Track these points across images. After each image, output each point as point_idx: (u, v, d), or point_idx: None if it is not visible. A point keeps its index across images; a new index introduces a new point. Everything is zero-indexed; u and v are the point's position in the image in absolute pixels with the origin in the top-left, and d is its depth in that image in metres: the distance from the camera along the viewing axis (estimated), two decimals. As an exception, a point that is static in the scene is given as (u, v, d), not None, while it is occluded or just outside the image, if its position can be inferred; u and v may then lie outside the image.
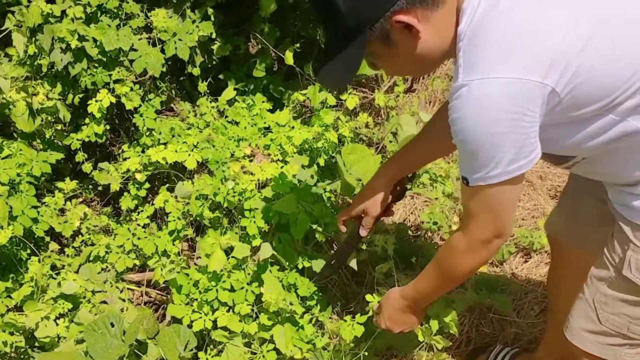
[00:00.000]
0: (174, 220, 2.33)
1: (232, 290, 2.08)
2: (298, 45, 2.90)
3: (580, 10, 1.22)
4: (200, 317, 2.06)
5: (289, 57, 2.87)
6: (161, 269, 2.23)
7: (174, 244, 2.30)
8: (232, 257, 2.09)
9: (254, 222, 2.11)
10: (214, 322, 2.06)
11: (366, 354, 2.03)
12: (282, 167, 2.23)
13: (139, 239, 2.40)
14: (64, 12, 2.57)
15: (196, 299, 2.09)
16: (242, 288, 2.08)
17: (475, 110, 1.22)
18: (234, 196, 2.19)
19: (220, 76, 3.05)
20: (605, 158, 1.40)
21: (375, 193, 1.89)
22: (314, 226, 2.13)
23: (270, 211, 2.12)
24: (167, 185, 2.49)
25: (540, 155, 1.31)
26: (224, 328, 2.06)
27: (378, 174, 1.91)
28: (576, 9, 1.22)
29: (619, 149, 1.35)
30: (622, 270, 1.46)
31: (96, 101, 2.59)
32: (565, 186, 1.90)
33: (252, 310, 2.08)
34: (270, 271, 2.12)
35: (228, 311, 2.08)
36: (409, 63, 1.39)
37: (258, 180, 2.23)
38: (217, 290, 2.07)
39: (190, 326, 2.07)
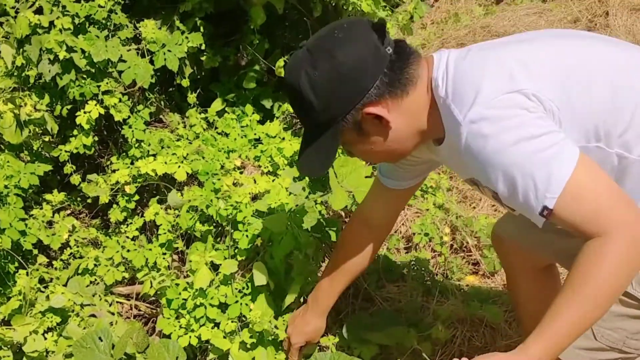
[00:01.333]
0: (164, 233, 2.31)
1: (220, 307, 2.06)
2: (288, 56, 2.90)
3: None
4: (186, 334, 2.04)
5: (279, 69, 2.87)
6: (150, 282, 2.21)
7: (164, 258, 2.28)
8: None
9: (246, 235, 2.10)
10: (199, 337, 2.04)
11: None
12: (273, 180, 2.22)
13: (128, 251, 2.38)
14: (52, 23, 2.56)
15: (184, 315, 2.08)
16: (237, 302, 2.06)
17: (500, 131, 1.22)
18: (226, 209, 2.17)
19: (210, 87, 3.03)
20: None
21: (305, 325, 1.94)
22: (295, 252, 2.10)
23: (261, 226, 2.11)
24: (157, 197, 2.47)
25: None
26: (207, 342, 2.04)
27: (308, 311, 1.95)
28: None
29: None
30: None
31: (85, 112, 2.56)
32: None
33: (237, 328, 2.06)
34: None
35: (213, 327, 2.07)
36: (382, 150, 1.43)
37: (250, 193, 2.22)
38: (205, 308, 2.05)
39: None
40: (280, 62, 2.87)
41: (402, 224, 2.77)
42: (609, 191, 1.20)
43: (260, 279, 2.00)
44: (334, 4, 2.77)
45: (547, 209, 1.20)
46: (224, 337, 2.04)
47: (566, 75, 1.29)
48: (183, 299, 2.10)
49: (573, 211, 1.20)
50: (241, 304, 2.06)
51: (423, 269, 2.54)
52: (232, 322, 2.03)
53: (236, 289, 2.10)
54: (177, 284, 2.15)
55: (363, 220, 1.85)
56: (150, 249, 2.35)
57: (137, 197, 2.59)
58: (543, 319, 1.24)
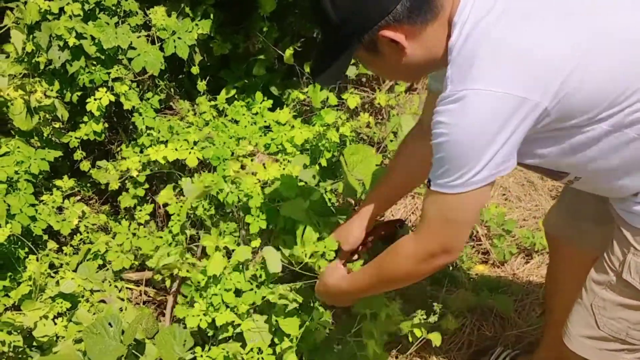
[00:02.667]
0: (176, 223, 2.30)
1: (235, 292, 2.05)
2: (298, 44, 2.89)
3: (572, 20, 1.24)
4: (198, 315, 2.04)
5: (288, 56, 2.86)
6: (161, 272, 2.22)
7: (176, 245, 2.28)
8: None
9: (258, 221, 2.09)
10: (212, 321, 2.04)
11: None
12: (284, 168, 2.21)
13: (138, 238, 2.39)
14: (62, 9, 2.55)
15: (198, 301, 2.07)
16: (251, 289, 2.05)
17: (459, 120, 1.23)
18: (237, 195, 2.17)
19: (220, 74, 3.03)
20: (602, 175, 1.41)
21: (348, 232, 1.95)
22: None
23: (275, 214, 2.10)
24: (171, 184, 2.47)
25: (513, 167, 1.31)
26: (224, 327, 2.04)
27: (353, 216, 1.97)
28: (566, 18, 1.24)
29: (612, 161, 1.35)
30: (622, 274, 1.47)
31: (95, 99, 2.56)
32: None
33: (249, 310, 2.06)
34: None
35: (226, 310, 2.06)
36: (396, 71, 1.48)
37: (259, 180, 2.21)
38: (221, 295, 2.05)
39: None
40: (290, 50, 2.86)
41: (412, 213, 2.76)
42: (465, 221, 1.39)
43: (274, 265, 1.99)
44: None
45: (429, 182, 1.35)
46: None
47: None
48: (197, 283, 2.09)
49: (432, 205, 1.38)
50: (255, 292, 2.05)
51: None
52: (245, 305, 2.03)
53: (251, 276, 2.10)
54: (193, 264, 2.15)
55: (418, 129, 1.85)
56: (161, 237, 2.35)
57: (147, 185, 2.59)
58: (360, 269, 1.72)
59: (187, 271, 2.14)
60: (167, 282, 2.33)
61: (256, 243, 2.10)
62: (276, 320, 2.00)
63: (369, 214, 1.92)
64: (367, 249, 2.00)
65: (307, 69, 2.91)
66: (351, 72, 2.68)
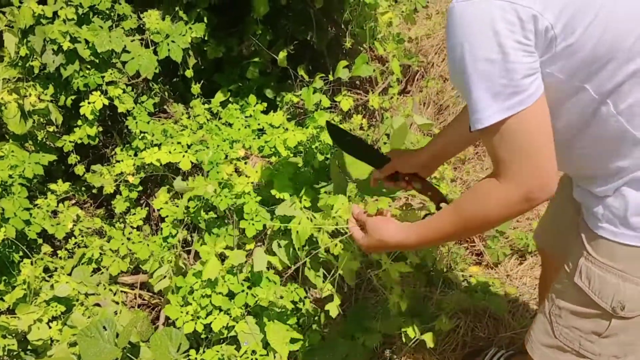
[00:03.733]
0: (168, 226, 2.31)
1: (228, 295, 2.07)
2: (291, 46, 2.90)
3: None
4: (192, 320, 2.05)
5: (282, 59, 2.87)
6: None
7: (169, 250, 2.29)
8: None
9: (253, 224, 2.10)
10: (207, 325, 2.05)
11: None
12: (277, 170, 2.23)
13: (133, 243, 2.39)
14: (55, 13, 2.56)
15: (190, 303, 2.08)
16: (243, 291, 2.06)
17: (463, 34, 1.17)
18: (230, 198, 2.18)
19: (214, 78, 3.03)
20: (576, 145, 1.37)
21: (412, 157, 1.85)
22: (316, 234, 2.10)
23: (269, 214, 2.11)
24: (167, 187, 2.48)
25: (542, 90, 1.21)
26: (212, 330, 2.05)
27: (418, 151, 1.88)
28: None
29: (587, 133, 1.32)
30: (574, 278, 1.45)
31: (89, 103, 2.57)
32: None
33: (243, 313, 2.07)
34: (268, 278, 2.11)
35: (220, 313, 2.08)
36: None
37: (253, 182, 2.22)
38: (210, 297, 2.06)
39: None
40: (284, 53, 2.86)
41: (406, 215, 2.76)
42: (532, 147, 1.22)
43: (260, 264, 2.01)
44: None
45: (474, 128, 1.25)
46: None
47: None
48: (190, 287, 2.10)
49: (491, 145, 1.25)
50: (247, 293, 2.06)
51: (426, 259, 2.54)
52: (238, 308, 2.04)
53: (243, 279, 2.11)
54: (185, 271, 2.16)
55: None
56: (155, 241, 2.36)
57: (140, 188, 2.59)
58: (429, 220, 1.46)
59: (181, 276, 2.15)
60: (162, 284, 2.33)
61: (251, 246, 2.11)
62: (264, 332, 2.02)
63: (432, 159, 1.84)
64: (408, 188, 1.90)
65: (300, 72, 2.92)
66: (344, 74, 2.69)
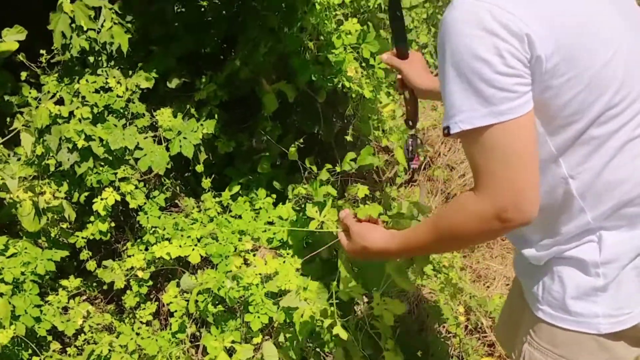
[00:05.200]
0: (177, 321, 2.31)
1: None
2: (300, 140, 2.97)
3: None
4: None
5: (292, 153, 2.93)
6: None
7: (177, 345, 2.28)
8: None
9: (258, 317, 2.10)
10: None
11: None
12: (284, 262, 2.24)
13: (142, 338, 2.38)
14: (71, 113, 2.66)
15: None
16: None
17: (457, 33, 1.14)
18: (238, 291, 2.18)
19: (225, 172, 3.10)
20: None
21: (414, 71, 1.79)
22: (317, 328, 2.09)
23: (275, 307, 2.11)
24: (176, 280, 2.49)
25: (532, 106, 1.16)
26: None
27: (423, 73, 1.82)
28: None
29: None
30: None
31: (101, 199, 2.62)
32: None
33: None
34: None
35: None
36: None
37: (261, 274, 2.23)
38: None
39: None
40: (294, 147, 2.94)
41: (416, 305, 2.75)
42: (513, 162, 1.15)
43: (271, 358, 1.99)
44: (338, 90, 2.85)
45: (447, 129, 1.19)
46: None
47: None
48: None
49: (471, 153, 1.19)
50: (254, 388, 2.04)
51: (438, 350, 2.50)
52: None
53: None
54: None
55: None
56: (163, 336, 2.35)
57: (150, 283, 2.61)
58: (412, 228, 1.42)
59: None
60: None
61: (258, 339, 2.10)
62: None
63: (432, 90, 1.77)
64: (400, 88, 1.87)
65: (308, 164, 2.98)
66: (351, 166, 2.74)
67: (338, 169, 2.80)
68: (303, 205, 2.91)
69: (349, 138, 2.97)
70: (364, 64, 2.77)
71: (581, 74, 1.16)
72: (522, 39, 1.11)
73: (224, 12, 3.29)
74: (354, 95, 2.76)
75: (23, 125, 2.59)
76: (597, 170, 1.23)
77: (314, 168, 2.97)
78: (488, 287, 2.88)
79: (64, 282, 2.63)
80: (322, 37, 2.67)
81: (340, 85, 2.74)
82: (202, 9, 3.36)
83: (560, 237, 1.31)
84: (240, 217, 2.81)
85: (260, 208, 2.83)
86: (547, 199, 1.26)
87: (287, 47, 2.78)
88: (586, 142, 1.21)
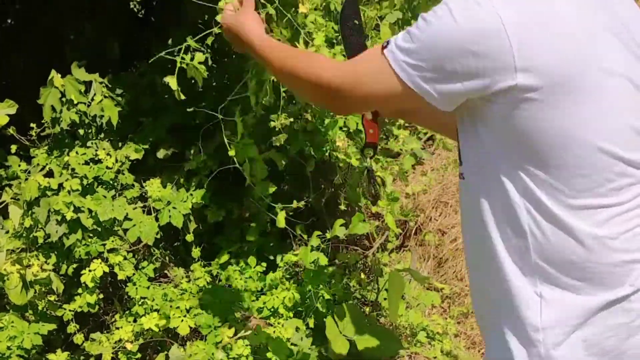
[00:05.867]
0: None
1: None
2: (291, 207, 2.98)
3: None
4: None
5: (281, 221, 2.93)
6: None
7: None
8: None
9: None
10: None
11: None
12: (274, 331, 2.21)
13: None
14: (61, 184, 2.67)
15: None
16: None
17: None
18: (226, 363, 2.15)
19: (214, 240, 3.09)
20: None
21: None
22: None
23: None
24: (164, 353, 2.45)
25: (440, 106, 1.16)
26: None
27: None
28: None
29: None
30: None
31: (89, 271, 2.60)
32: None
33: None
34: None
35: None
36: None
37: (251, 345, 2.20)
38: None
39: None
40: (282, 215, 2.94)
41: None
42: (372, 93, 1.24)
43: None
44: (326, 159, 2.88)
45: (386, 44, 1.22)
46: None
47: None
48: None
49: (370, 53, 1.29)
50: None
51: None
52: None
53: None
54: None
55: None
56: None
57: (139, 355, 2.56)
58: (276, 42, 1.55)
59: None
60: None
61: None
62: None
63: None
64: None
65: (298, 231, 2.98)
66: (341, 232, 2.74)
67: (328, 235, 2.80)
68: (293, 273, 2.91)
69: (342, 207, 2.98)
70: (351, 131, 2.81)
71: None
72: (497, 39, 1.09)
73: (214, 83, 3.35)
74: (341, 165, 2.78)
75: (11, 198, 2.59)
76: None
77: (304, 235, 2.97)
78: (482, 354, 2.84)
79: (51, 357, 2.58)
80: (310, 109, 2.71)
81: (328, 154, 2.77)
82: (193, 80, 3.43)
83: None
84: (230, 286, 2.78)
85: (250, 277, 2.81)
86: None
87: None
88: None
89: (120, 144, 2.88)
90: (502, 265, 1.19)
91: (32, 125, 2.72)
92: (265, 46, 1.52)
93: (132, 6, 4.03)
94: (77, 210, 2.62)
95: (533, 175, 1.12)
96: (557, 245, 1.13)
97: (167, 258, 2.97)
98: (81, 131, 2.83)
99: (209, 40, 3.44)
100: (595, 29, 1.11)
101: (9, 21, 4.11)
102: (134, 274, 2.72)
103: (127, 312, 2.74)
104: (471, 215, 1.26)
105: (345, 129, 2.71)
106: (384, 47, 1.20)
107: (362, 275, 2.84)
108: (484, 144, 1.17)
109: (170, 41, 3.37)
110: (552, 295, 1.15)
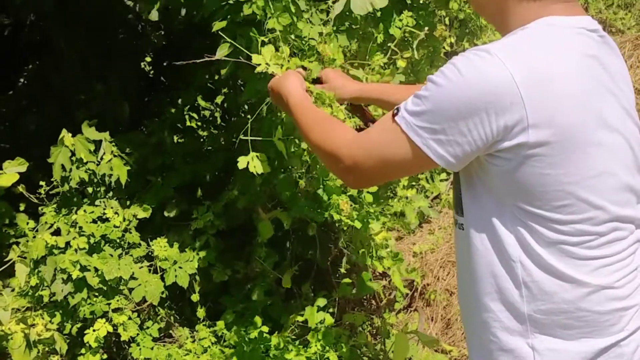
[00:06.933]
0: None
1: None
2: (296, 267, 2.97)
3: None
4: None
5: (287, 280, 2.92)
6: None
7: None
8: None
9: None
10: None
11: None
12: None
13: None
14: (68, 243, 2.67)
15: None
16: None
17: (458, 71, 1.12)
18: None
19: (220, 300, 3.07)
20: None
21: (347, 81, 1.83)
22: None
23: None
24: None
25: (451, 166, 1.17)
26: None
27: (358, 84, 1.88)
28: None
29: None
30: None
31: (93, 330, 2.58)
32: None
33: None
34: None
35: None
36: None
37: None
38: None
39: None
40: (288, 275, 2.93)
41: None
42: (390, 162, 1.23)
43: None
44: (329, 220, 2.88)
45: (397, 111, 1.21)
46: None
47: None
48: None
49: (384, 122, 1.24)
50: None
51: None
52: None
53: None
54: None
55: None
56: None
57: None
58: (311, 106, 1.56)
59: None
60: None
61: None
62: None
63: (366, 92, 1.81)
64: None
65: (304, 290, 2.96)
66: (348, 292, 2.73)
67: (335, 295, 2.78)
68: (299, 334, 2.87)
69: (342, 270, 2.98)
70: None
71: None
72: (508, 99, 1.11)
73: (222, 141, 3.39)
74: (345, 228, 2.78)
75: (18, 256, 2.60)
76: None
77: (310, 294, 2.95)
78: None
79: (51, 419, 2.54)
80: (313, 173, 2.72)
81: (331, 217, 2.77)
82: (201, 140, 3.47)
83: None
84: (234, 347, 2.75)
85: (255, 338, 2.78)
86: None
87: (278, 187, 2.80)
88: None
89: (128, 203, 2.90)
90: (495, 316, 1.21)
91: (41, 183, 2.75)
92: (298, 108, 1.55)
93: (142, 66, 4.10)
94: (83, 269, 2.62)
95: (531, 228, 1.14)
96: (550, 294, 1.15)
97: (172, 318, 2.95)
98: (90, 189, 2.85)
99: (219, 99, 3.53)
100: (592, 86, 1.13)
101: (22, 81, 4.21)
102: (137, 334, 2.69)
103: (130, 373, 2.71)
104: (468, 264, 1.26)
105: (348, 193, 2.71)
106: (394, 115, 1.19)
107: (369, 338, 2.81)
108: (484, 197, 1.19)
109: (180, 101, 3.45)
110: (544, 346, 1.17)
